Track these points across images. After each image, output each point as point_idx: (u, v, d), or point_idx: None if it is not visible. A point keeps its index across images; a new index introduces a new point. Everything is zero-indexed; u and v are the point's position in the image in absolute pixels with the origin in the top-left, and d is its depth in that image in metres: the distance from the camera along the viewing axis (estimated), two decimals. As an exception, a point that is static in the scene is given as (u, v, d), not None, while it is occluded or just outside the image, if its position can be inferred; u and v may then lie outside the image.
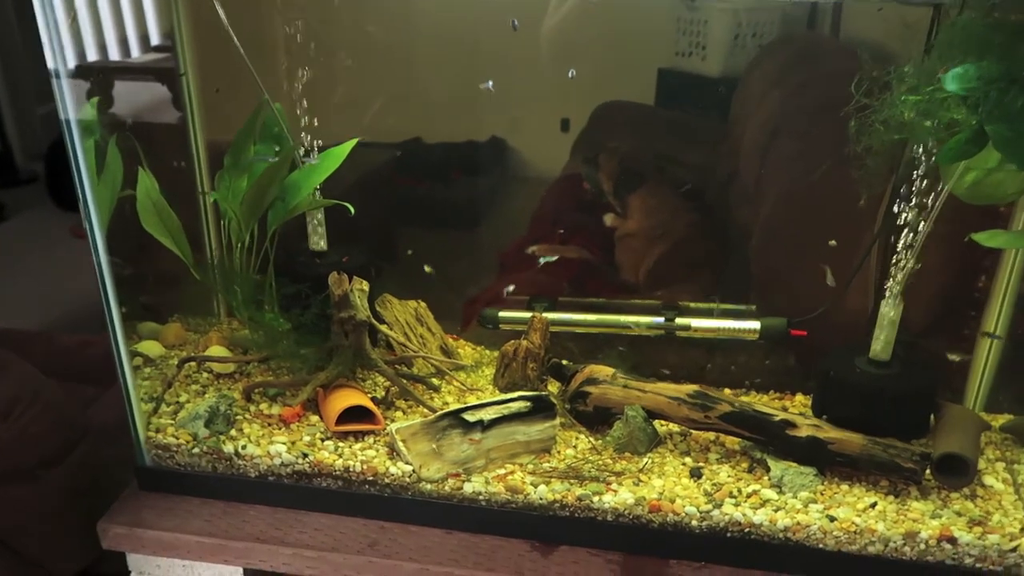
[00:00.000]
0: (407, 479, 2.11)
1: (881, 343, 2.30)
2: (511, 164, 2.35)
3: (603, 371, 2.45)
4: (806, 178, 2.06)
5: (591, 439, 2.28)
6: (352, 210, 2.32)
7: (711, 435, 2.27)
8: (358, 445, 2.22)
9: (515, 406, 2.21)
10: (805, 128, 2.12)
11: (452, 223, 2.59)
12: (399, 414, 2.36)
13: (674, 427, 2.31)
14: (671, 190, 2.40)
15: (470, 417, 2.14)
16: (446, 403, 2.43)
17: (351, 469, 2.15)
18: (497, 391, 2.43)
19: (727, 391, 2.59)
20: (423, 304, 2.78)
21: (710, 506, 2.04)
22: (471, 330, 2.91)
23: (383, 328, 2.55)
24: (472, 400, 2.38)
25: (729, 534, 2.02)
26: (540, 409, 2.19)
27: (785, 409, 2.24)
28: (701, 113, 2.05)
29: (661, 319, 2.66)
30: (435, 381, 2.60)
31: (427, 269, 2.63)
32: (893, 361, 2.31)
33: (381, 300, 2.71)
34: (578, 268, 2.49)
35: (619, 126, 2.29)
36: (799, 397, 2.69)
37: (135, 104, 2.35)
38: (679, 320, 2.65)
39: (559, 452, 2.25)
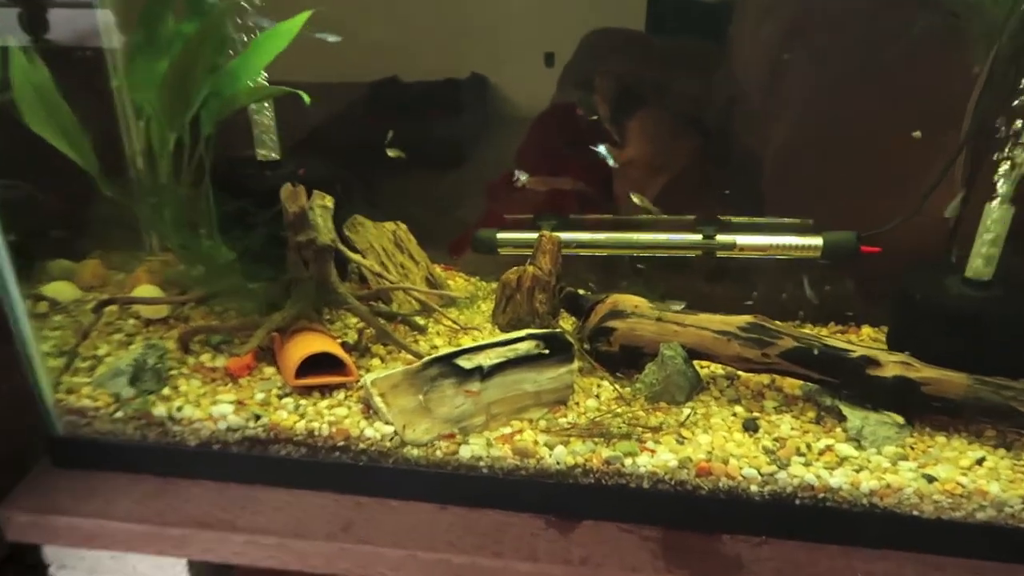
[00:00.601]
0: (388, 443, 1.82)
1: (983, 259, 1.86)
2: (494, 102, 2.25)
3: (630, 301, 2.01)
4: (830, 92, 2.00)
5: (617, 386, 1.98)
6: (307, 99, 1.83)
7: (764, 378, 2.02)
8: (325, 403, 1.92)
9: (522, 348, 1.89)
10: (823, 42, 2.01)
11: (432, 164, 2.43)
12: (376, 362, 2.06)
13: (717, 369, 2.07)
14: (671, 114, 2.26)
15: (466, 363, 1.83)
16: (435, 347, 2.13)
17: (317, 433, 1.84)
18: (498, 330, 2.19)
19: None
20: (403, 226, 2.31)
21: (774, 467, 1.76)
22: (464, 261, 2.45)
23: (354, 256, 2.08)
24: (467, 342, 2.09)
25: (798, 501, 1.73)
26: (553, 350, 1.88)
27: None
28: (696, 36, 1.97)
29: (699, 236, 2.19)
30: (420, 320, 2.16)
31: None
32: (994, 282, 1.87)
33: (351, 223, 2.24)
34: (573, 201, 2.36)
35: (611, 54, 2.20)
36: (866, 330, 2.27)
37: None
38: (721, 238, 2.19)
39: (578, 404, 1.95)
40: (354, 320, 2.13)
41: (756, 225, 2.22)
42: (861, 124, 2.09)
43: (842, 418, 1.84)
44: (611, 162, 2.20)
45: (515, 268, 2.16)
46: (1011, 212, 1.82)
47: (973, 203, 2.01)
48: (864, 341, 2.19)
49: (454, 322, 2.16)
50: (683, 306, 2.01)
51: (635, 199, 2.18)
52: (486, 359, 1.84)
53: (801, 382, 1.95)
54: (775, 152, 2.25)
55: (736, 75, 2.17)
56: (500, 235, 2.29)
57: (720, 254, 2.21)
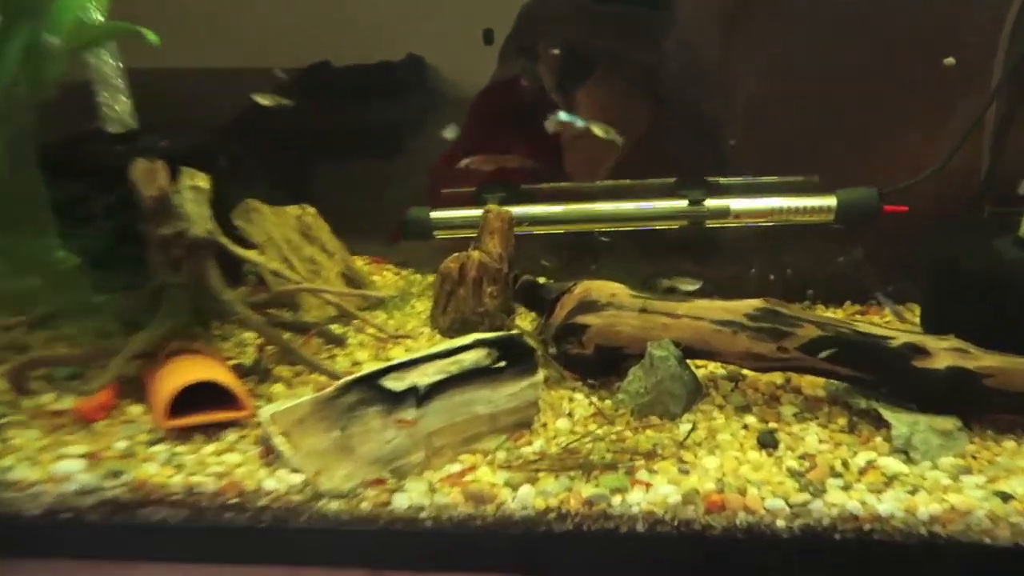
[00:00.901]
0: (297, 496, 1.49)
1: None
2: (432, 83, 2.14)
3: (605, 289, 1.64)
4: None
5: (595, 400, 1.69)
6: (154, 38, 1.37)
7: (776, 376, 1.74)
8: (210, 448, 1.57)
9: (468, 359, 1.59)
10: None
11: (367, 151, 2.27)
12: (279, 389, 1.72)
13: (715, 368, 1.81)
14: (623, 81, 2.06)
15: (395, 384, 1.51)
16: (357, 364, 1.81)
17: (200, 489, 1.49)
18: (438, 336, 1.85)
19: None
20: (311, 210, 1.89)
21: (805, 494, 1.44)
22: (401, 251, 2.04)
23: (243, 253, 1.62)
24: (399, 355, 1.72)
25: (839, 535, 1.41)
26: (510, 359, 1.59)
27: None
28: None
29: (683, 203, 1.80)
30: (337, 330, 1.72)
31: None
32: None
33: (243, 209, 1.81)
34: (523, 180, 2.08)
35: (553, 21, 2.07)
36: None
37: None
38: (711, 203, 1.80)
39: (546, 427, 1.64)
40: (253, 336, 1.67)
41: (752, 186, 1.84)
42: (840, 70, 1.90)
43: (882, 424, 1.53)
44: (579, 123, 1.82)
45: (456, 255, 1.75)
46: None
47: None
48: (890, 324, 1.83)
49: (380, 329, 1.73)
50: (697, 286, 1.64)
51: (597, 130, 1.77)
52: (422, 377, 1.52)
53: (824, 380, 1.69)
54: (746, 105, 1.98)
55: (688, 32, 2.03)
56: (435, 214, 1.88)
57: (710, 223, 1.85)
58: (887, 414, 1.55)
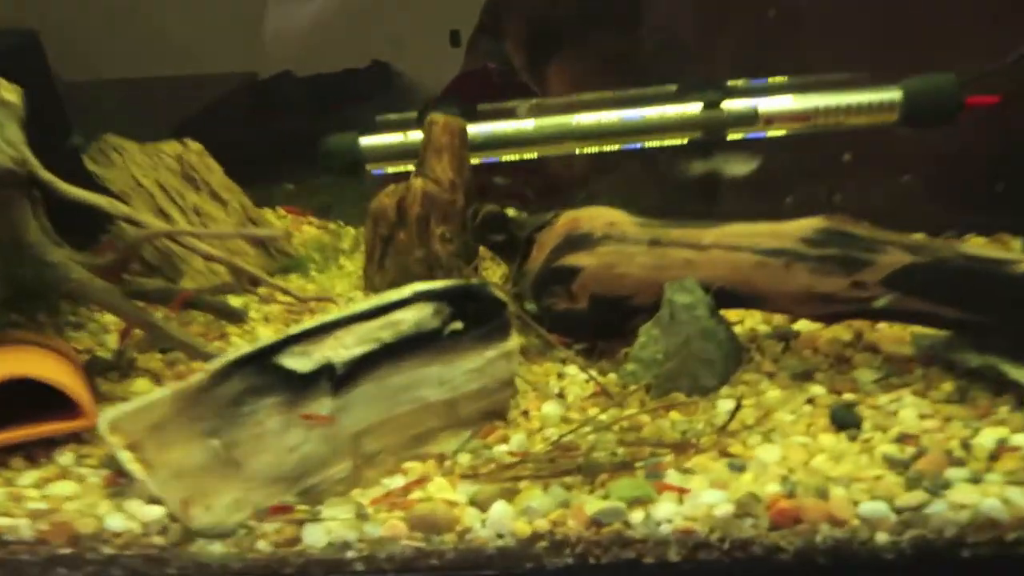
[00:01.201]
0: (157, 538, 1.08)
1: None
2: (399, 89, 2.04)
3: (601, 217, 1.24)
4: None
5: (594, 373, 1.29)
6: None
7: (841, 331, 1.31)
8: (30, 477, 1.17)
9: (408, 318, 1.15)
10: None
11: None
12: (143, 386, 1.30)
13: (754, 320, 1.38)
14: (594, 56, 1.83)
15: (298, 361, 1.09)
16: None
17: (9, 536, 1.07)
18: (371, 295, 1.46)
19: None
20: (196, 146, 1.46)
21: (918, 492, 1.03)
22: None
23: (79, 193, 1.16)
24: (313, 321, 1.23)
25: (968, 551, 1.02)
26: (470, 318, 1.19)
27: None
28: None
29: (697, 108, 1.37)
30: (233, 301, 1.25)
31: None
32: None
33: (98, 148, 1.35)
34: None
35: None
36: (975, 240, 1.57)
37: None
38: (731, 106, 1.37)
39: (527, 415, 1.24)
40: (114, 320, 1.25)
41: (781, 87, 1.42)
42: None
43: (1005, 388, 1.14)
44: None
45: (392, 186, 1.33)
46: None
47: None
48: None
49: (293, 296, 1.29)
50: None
51: None
52: (338, 349, 1.02)
53: (912, 333, 1.31)
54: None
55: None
56: (366, 140, 1.43)
57: (732, 134, 1.41)
58: (1014, 373, 1.13)
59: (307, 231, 1.70)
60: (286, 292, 1.41)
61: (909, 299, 1.16)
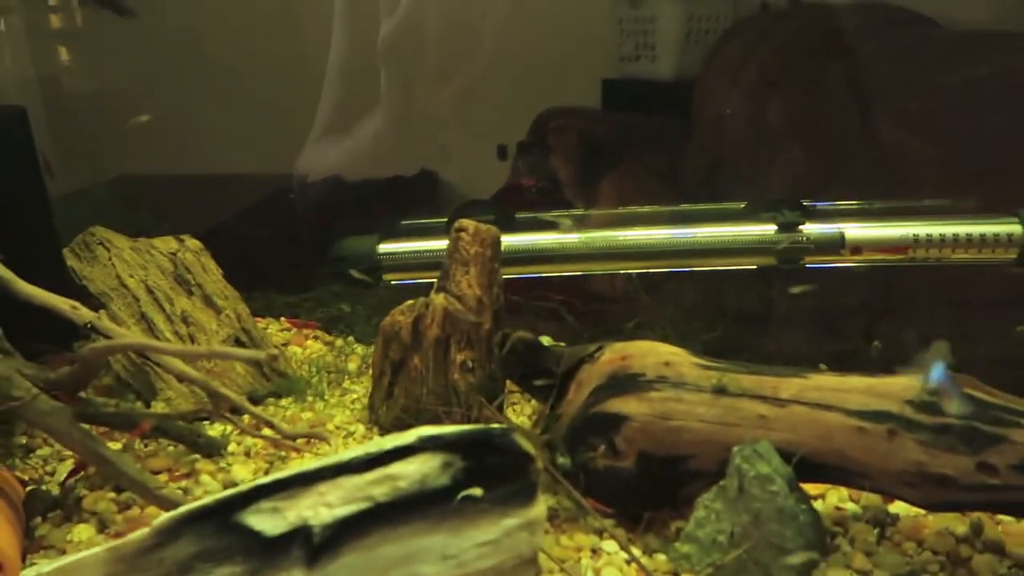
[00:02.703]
0: None
1: None
2: (445, 198, 2.12)
3: (655, 354, 1.02)
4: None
5: (637, 553, 1.05)
6: None
7: (955, 522, 1.09)
8: None
9: (409, 472, 0.91)
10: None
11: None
12: (84, 533, 1.08)
13: (839, 497, 1.16)
14: (649, 172, 1.87)
15: (266, 521, 0.86)
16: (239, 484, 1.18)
17: None
18: (379, 437, 1.23)
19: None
20: (193, 244, 1.29)
21: None
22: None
23: (56, 302, 1.02)
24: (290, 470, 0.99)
25: None
26: (487, 476, 0.92)
27: None
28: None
29: (769, 229, 1.21)
30: (210, 430, 1.08)
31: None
32: None
33: (82, 241, 1.22)
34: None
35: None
36: None
37: None
38: (811, 230, 1.20)
39: None
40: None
41: (871, 212, 1.25)
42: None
43: None
44: None
45: (409, 303, 1.14)
46: None
47: None
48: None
49: (275, 430, 1.08)
50: None
51: None
52: (320, 508, 0.81)
53: None
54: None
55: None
56: (386, 246, 1.27)
57: (811, 261, 1.22)
58: None
59: (312, 346, 1.48)
60: (268, 424, 1.19)
61: None
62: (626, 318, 1.35)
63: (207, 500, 0.90)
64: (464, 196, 1.99)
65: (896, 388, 0.98)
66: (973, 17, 1.66)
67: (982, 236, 1.25)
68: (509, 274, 1.43)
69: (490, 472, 0.95)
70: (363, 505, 0.89)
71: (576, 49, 1.97)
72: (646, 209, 1.46)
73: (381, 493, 0.92)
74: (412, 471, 0.94)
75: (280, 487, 0.88)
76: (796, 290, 1.27)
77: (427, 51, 1.92)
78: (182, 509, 0.91)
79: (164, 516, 0.91)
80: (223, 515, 0.87)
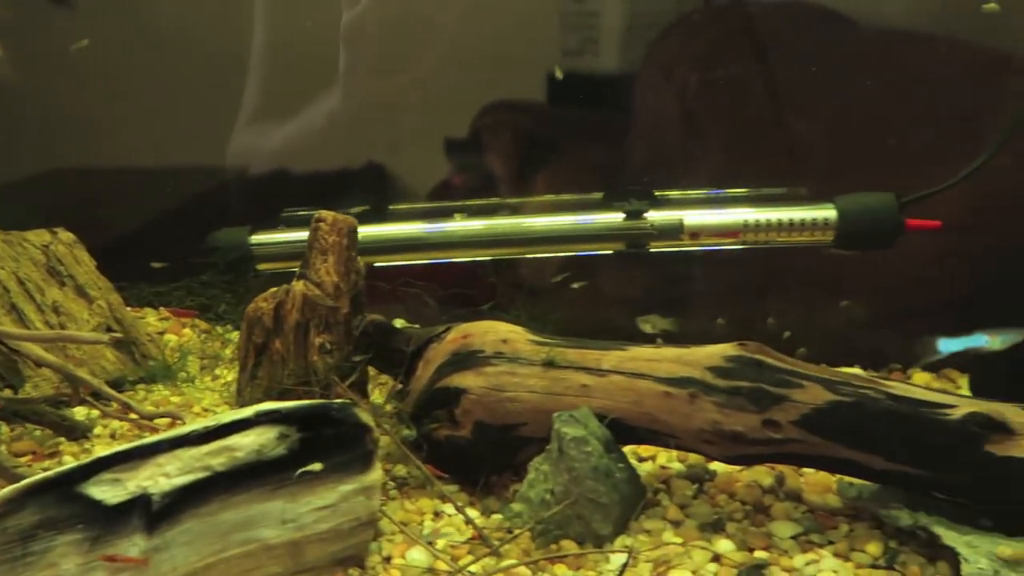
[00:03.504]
0: None
1: None
2: (392, 192, 1.98)
3: (494, 332, 1.12)
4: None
5: (474, 514, 1.15)
6: None
7: (762, 474, 1.23)
8: None
9: (246, 444, 1.00)
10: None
11: None
12: None
13: (668, 457, 1.28)
14: (583, 166, 1.84)
15: (107, 491, 0.93)
16: None
17: None
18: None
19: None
20: (66, 236, 1.34)
21: None
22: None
23: None
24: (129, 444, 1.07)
25: None
26: (320, 446, 1.03)
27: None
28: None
29: (617, 217, 1.30)
30: (77, 414, 1.14)
31: None
32: None
33: None
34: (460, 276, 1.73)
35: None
36: (921, 376, 1.43)
37: None
38: (655, 217, 1.31)
39: (389, 561, 1.10)
40: None
41: (715, 200, 1.36)
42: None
43: (939, 553, 0.98)
44: None
45: (272, 290, 1.21)
46: None
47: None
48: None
49: (132, 411, 1.15)
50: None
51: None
52: (158, 478, 0.88)
53: (837, 480, 1.16)
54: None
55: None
56: (258, 237, 1.34)
57: (655, 246, 1.33)
58: (949, 537, 1.01)
59: (187, 334, 1.55)
60: (125, 406, 1.25)
61: (832, 444, 1.04)
62: (485, 301, 1.45)
63: (49, 473, 0.96)
64: (412, 189, 2.01)
65: (700, 356, 1.10)
66: (889, 16, 1.72)
67: (802, 221, 1.37)
68: (381, 262, 1.53)
69: (327, 442, 1.05)
70: (201, 474, 0.98)
71: (523, 42, 1.94)
72: (516, 200, 1.56)
73: (219, 463, 1.00)
74: (249, 442, 1.01)
75: (120, 459, 0.96)
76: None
77: (384, 41, 1.90)
78: (25, 481, 0.97)
79: (7, 488, 0.97)
80: (65, 486, 0.93)
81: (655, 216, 1.39)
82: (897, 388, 1.07)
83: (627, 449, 1.23)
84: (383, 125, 1.96)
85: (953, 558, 1.01)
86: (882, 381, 1.07)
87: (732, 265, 1.60)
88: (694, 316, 1.61)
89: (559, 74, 1.74)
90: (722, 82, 1.77)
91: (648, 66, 1.83)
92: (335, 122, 2.03)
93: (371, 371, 1.39)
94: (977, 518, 1.08)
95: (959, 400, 1.04)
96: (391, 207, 1.53)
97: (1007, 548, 0.98)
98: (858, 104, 1.60)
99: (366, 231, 1.35)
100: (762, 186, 1.58)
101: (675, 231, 1.38)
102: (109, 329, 1.36)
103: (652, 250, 1.40)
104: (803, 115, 1.69)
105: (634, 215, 1.39)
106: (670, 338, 1.53)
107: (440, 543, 1.09)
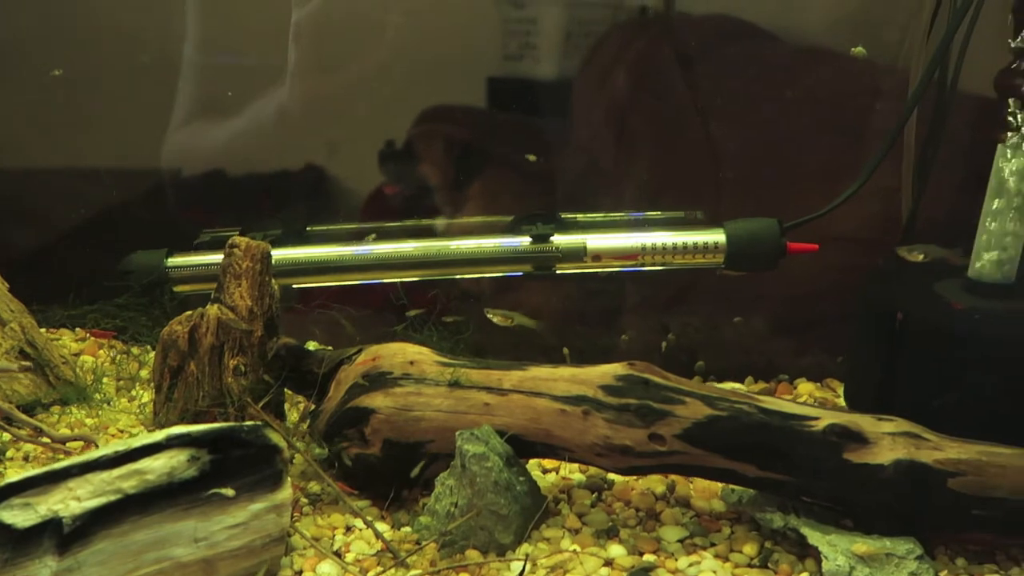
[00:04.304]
0: None
1: (998, 252, 1.26)
2: (332, 194, 2.00)
3: (403, 354, 1.17)
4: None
5: (383, 527, 1.21)
6: None
7: (656, 483, 1.33)
8: None
9: (157, 467, 1.05)
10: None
11: None
12: None
13: (571, 470, 1.36)
14: (517, 177, 1.88)
15: (15, 515, 0.96)
16: None
17: None
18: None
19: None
20: None
21: None
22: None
23: None
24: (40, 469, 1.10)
25: None
26: (232, 468, 1.08)
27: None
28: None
29: (524, 241, 1.38)
30: None
31: None
32: (1019, 287, 1.33)
33: None
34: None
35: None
36: (805, 386, 1.53)
37: None
38: (560, 241, 1.38)
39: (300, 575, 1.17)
40: None
41: (617, 223, 1.44)
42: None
43: (807, 551, 1.07)
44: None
45: (187, 313, 1.25)
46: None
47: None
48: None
49: (45, 434, 1.17)
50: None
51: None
52: (70, 502, 0.91)
53: (722, 486, 1.24)
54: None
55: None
56: (175, 260, 1.37)
57: (561, 268, 1.40)
58: (813, 536, 1.11)
59: (103, 356, 1.55)
60: (36, 429, 1.25)
61: (710, 455, 1.11)
62: (398, 323, 1.51)
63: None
64: (352, 192, 1.99)
65: (593, 375, 1.18)
66: (810, 31, 1.77)
67: (695, 244, 1.46)
68: (297, 284, 1.57)
69: (237, 463, 1.10)
70: (113, 497, 1.02)
71: (463, 47, 1.94)
72: (428, 222, 1.62)
73: (130, 486, 1.05)
74: (159, 465, 1.06)
75: (30, 484, 0.99)
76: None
77: (327, 43, 1.86)
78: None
79: None
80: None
81: (560, 239, 1.46)
82: (768, 402, 1.17)
83: (533, 462, 1.32)
84: (324, 128, 1.93)
85: (819, 556, 1.10)
86: (756, 396, 1.16)
87: (641, 282, 1.68)
88: (604, 331, 1.71)
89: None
90: (648, 92, 1.81)
91: (582, 74, 1.85)
92: (277, 122, 1.87)
93: (289, 392, 1.44)
94: (841, 519, 1.21)
95: (822, 412, 1.14)
96: (308, 228, 1.59)
97: (863, 545, 1.10)
98: (773, 118, 1.66)
99: (280, 254, 1.40)
100: (683, 200, 1.65)
101: (579, 254, 1.44)
102: (22, 352, 1.35)
103: (558, 272, 1.51)
104: (724, 127, 1.80)
105: (540, 239, 1.46)
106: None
107: (349, 556, 1.15)
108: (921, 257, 1.39)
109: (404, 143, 1.90)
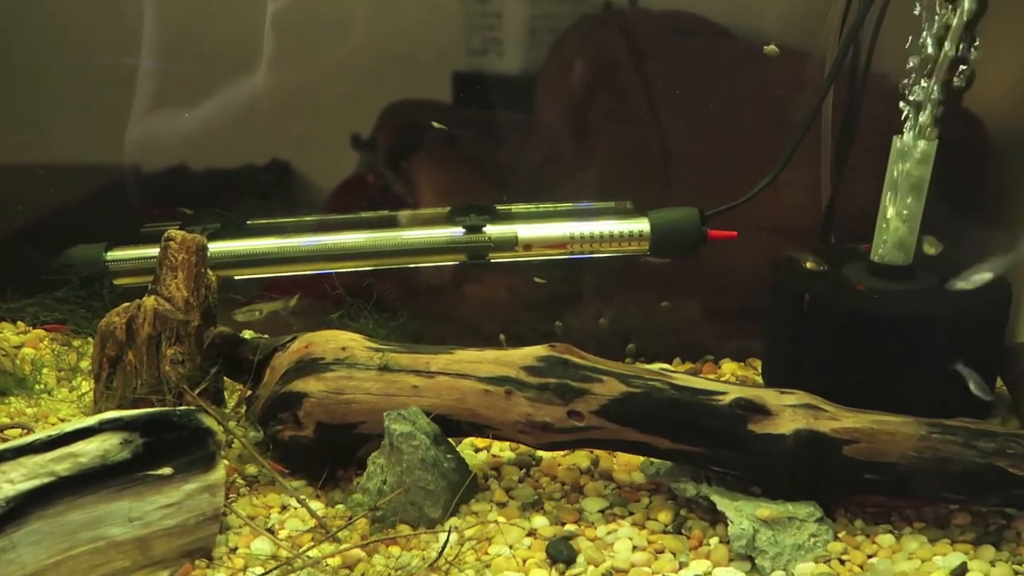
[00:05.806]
0: None
1: (894, 235, 1.36)
2: (297, 189, 1.97)
3: (334, 340, 1.24)
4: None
5: (317, 505, 1.25)
6: None
7: (581, 458, 1.39)
8: None
9: (89, 450, 1.08)
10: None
11: None
12: None
13: (501, 448, 1.42)
14: (462, 165, 1.89)
15: None
16: None
17: None
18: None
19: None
20: None
21: None
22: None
23: None
24: None
25: None
26: (167, 448, 1.12)
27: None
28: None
29: (458, 231, 1.43)
30: None
31: None
32: (916, 268, 1.40)
33: None
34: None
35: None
36: (729, 366, 1.61)
37: None
38: (492, 231, 1.44)
39: (235, 553, 1.18)
40: None
41: (550, 213, 1.50)
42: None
43: (718, 518, 1.13)
44: None
45: (125, 305, 1.28)
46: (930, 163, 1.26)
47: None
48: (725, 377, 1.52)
49: None
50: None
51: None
52: (3, 483, 0.99)
53: (642, 459, 1.34)
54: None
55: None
56: (115, 254, 1.40)
57: (494, 257, 1.46)
58: (722, 503, 1.17)
59: (44, 348, 1.57)
60: None
61: (625, 429, 1.18)
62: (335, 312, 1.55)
63: None
64: (318, 187, 2.00)
65: (516, 357, 1.23)
66: (764, 29, 1.78)
67: (620, 233, 1.53)
68: (242, 275, 1.60)
69: (170, 446, 1.14)
70: (46, 479, 1.05)
71: (432, 40, 1.93)
72: (370, 215, 1.66)
73: (63, 468, 1.08)
74: (92, 448, 1.10)
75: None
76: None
77: (302, 35, 1.84)
78: None
79: None
80: None
81: (492, 230, 1.50)
82: (680, 379, 1.23)
83: (467, 441, 1.37)
84: (290, 121, 1.92)
85: (727, 522, 1.15)
86: (669, 374, 1.23)
87: (574, 270, 1.72)
88: (541, 318, 1.77)
89: None
90: (605, 87, 1.83)
91: (544, 69, 1.87)
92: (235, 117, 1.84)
93: (229, 381, 1.48)
94: (750, 487, 1.27)
95: (729, 387, 1.21)
96: (248, 222, 1.61)
97: (765, 510, 1.16)
98: (721, 113, 1.69)
99: (218, 247, 1.44)
100: (635, 191, 1.66)
101: (511, 243, 1.50)
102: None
103: (492, 261, 1.56)
104: (677, 121, 1.84)
105: (473, 229, 1.52)
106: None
107: (283, 533, 1.19)
108: (812, 266, 1.46)
109: (369, 136, 1.90)
